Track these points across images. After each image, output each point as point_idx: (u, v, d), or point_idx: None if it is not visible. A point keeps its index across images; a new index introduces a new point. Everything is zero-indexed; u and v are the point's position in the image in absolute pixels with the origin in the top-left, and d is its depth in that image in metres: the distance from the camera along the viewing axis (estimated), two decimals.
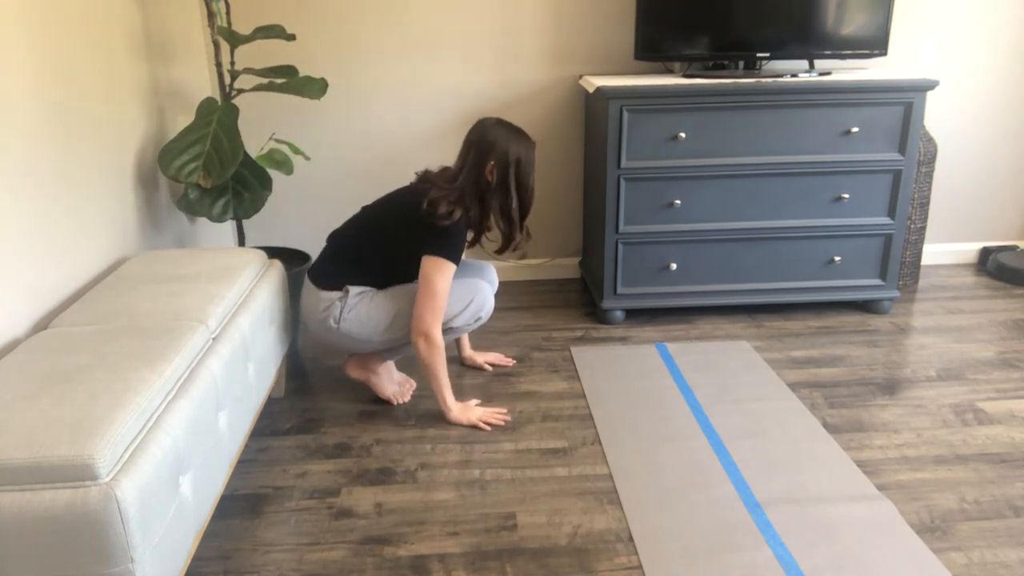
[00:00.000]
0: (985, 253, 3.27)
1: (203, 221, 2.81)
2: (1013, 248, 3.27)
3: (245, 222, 3.07)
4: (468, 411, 2.15)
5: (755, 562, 1.59)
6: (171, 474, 1.34)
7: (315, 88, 2.32)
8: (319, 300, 2.09)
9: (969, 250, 3.34)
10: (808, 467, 1.91)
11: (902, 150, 2.64)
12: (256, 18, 2.83)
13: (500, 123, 2.08)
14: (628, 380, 2.36)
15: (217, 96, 2.90)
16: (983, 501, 1.78)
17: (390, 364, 2.30)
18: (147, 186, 2.36)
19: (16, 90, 1.69)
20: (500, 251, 2.18)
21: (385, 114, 2.98)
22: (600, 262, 2.77)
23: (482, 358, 2.46)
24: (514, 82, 2.98)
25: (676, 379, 2.36)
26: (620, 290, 2.73)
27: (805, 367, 2.44)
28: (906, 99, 2.58)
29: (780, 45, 2.72)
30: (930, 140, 2.93)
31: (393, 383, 2.29)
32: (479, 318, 2.16)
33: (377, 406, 2.26)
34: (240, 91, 2.41)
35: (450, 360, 2.53)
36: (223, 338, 1.72)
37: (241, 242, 2.57)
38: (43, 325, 1.75)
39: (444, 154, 3.04)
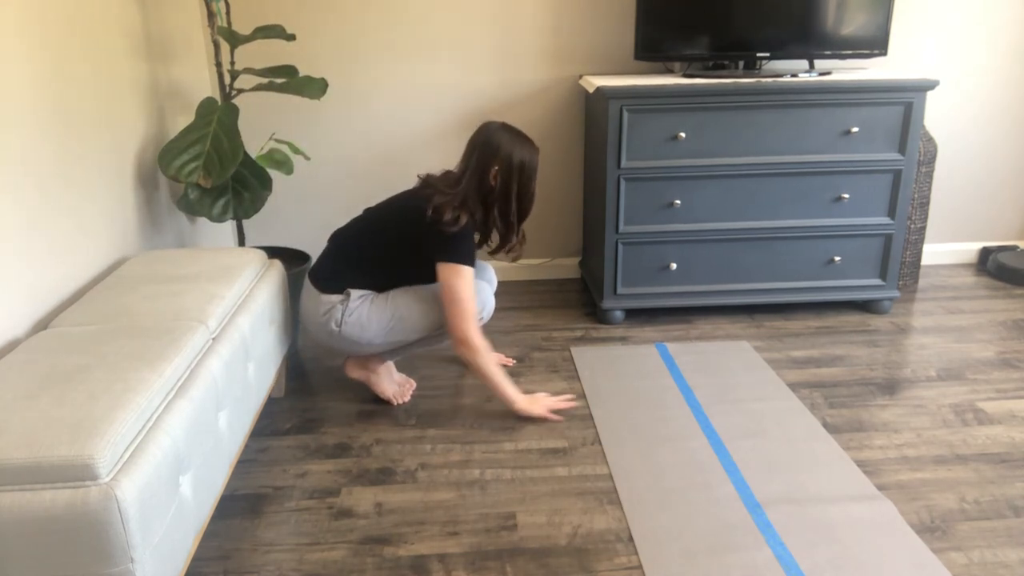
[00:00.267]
0: (985, 253, 3.27)
1: (203, 221, 2.81)
2: (1013, 248, 3.27)
3: (245, 222, 3.07)
4: (536, 403, 2.15)
5: (755, 562, 1.59)
6: (171, 474, 1.34)
7: (315, 88, 2.32)
8: (320, 303, 2.09)
9: (969, 250, 3.34)
10: (808, 467, 1.91)
11: (902, 150, 2.64)
12: (256, 18, 2.83)
13: (505, 127, 2.08)
14: (628, 380, 2.36)
15: (217, 96, 2.90)
16: (983, 501, 1.78)
17: (390, 364, 2.30)
18: (147, 186, 2.36)
19: (16, 90, 1.69)
20: (494, 252, 2.19)
21: (385, 114, 2.98)
22: (600, 262, 2.77)
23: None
24: (514, 82, 2.98)
25: (676, 379, 2.36)
26: (620, 290, 2.73)
27: (805, 367, 2.44)
28: (906, 99, 2.58)
29: (780, 45, 2.72)
30: (930, 140, 2.93)
31: (393, 383, 2.29)
32: (480, 318, 2.16)
33: (377, 406, 2.26)
34: (240, 91, 2.42)
35: (450, 360, 2.53)
36: (223, 338, 1.72)
37: (241, 242, 2.57)
38: (43, 325, 1.75)
39: (444, 154, 3.04)
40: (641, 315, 2.84)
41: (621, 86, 2.50)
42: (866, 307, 2.86)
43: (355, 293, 2.08)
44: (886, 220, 2.72)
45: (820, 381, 2.35)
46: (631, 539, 1.68)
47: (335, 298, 2.08)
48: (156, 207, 2.42)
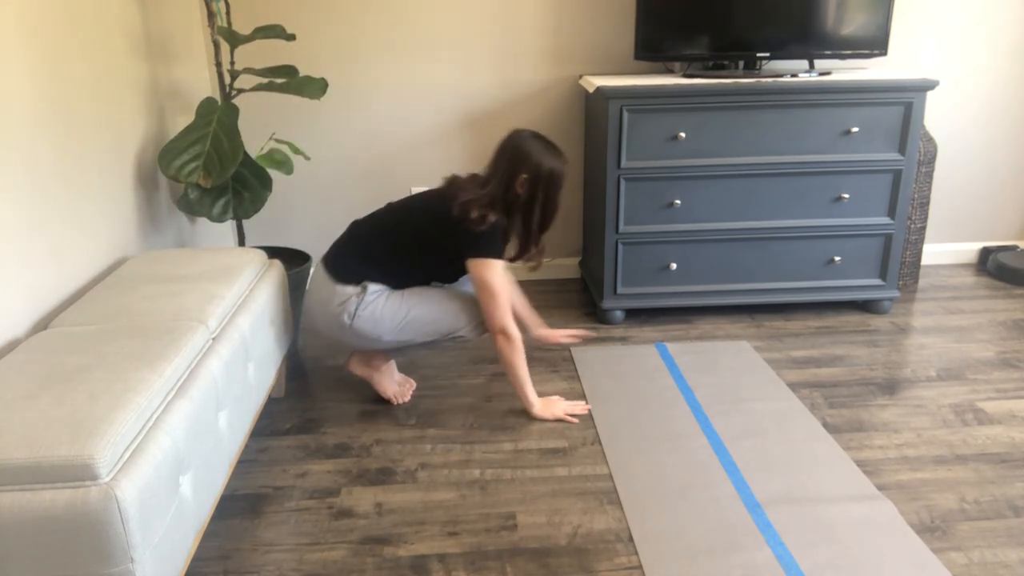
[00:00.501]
0: (985, 253, 3.27)
1: (203, 221, 2.81)
2: (1013, 248, 3.27)
3: (245, 222, 3.07)
4: (551, 406, 2.17)
5: (755, 562, 1.59)
6: (171, 474, 1.34)
7: (315, 88, 2.32)
8: (334, 293, 2.06)
9: (969, 250, 3.34)
10: (808, 467, 1.91)
11: (902, 150, 2.64)
12: (256, 18, 2.83)
13: (536, 136, 2.07)
14: (628, 380, 2.36)
15: (217, 96, 2.90)
16: (983, 501, 1.78)
17: (392, 364, 2.30)
18: (147, 186, 2.36)
19: (16, 90, 1.69)
20: (512, 259, 2.18)
21: (385, 114, 2.98)
22: (600, 262, 2.77)
23: (559, 334, 2.45)
24: (514, 82, 2.98)
25: (676, 379, 2.36)
26: (620, 290, 2.73)
27: (805, 367, 2.44)
28: (906, 99, 2.58)
29: (780, 45, 2.72)
30: (930, 140, 2.93)
31: (394, 383, 2.29)
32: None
33: (377, 406, 2.26)
34: (240, 91, 2.42)
35: (450, 360, 2.53)
36: (223, 338, 1.72)
37: (241, 242, 2.57)
38: (43, 325, 1.75)
39: (444, 154, 3.04)
40: (641, 315, 2.84)
41: (621, 86, 2.50)
42: (866, 307, 2.86)
43: (372, 287, 2.06)
44: (886, 220, 2.72)
45: (820, 381, 2.35)
46: (631, 539, 1.68)
47: (351, 290, 2.05)
48: (156, 207, 2.42)
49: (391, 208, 2.17)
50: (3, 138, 1.63)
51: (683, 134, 2.57)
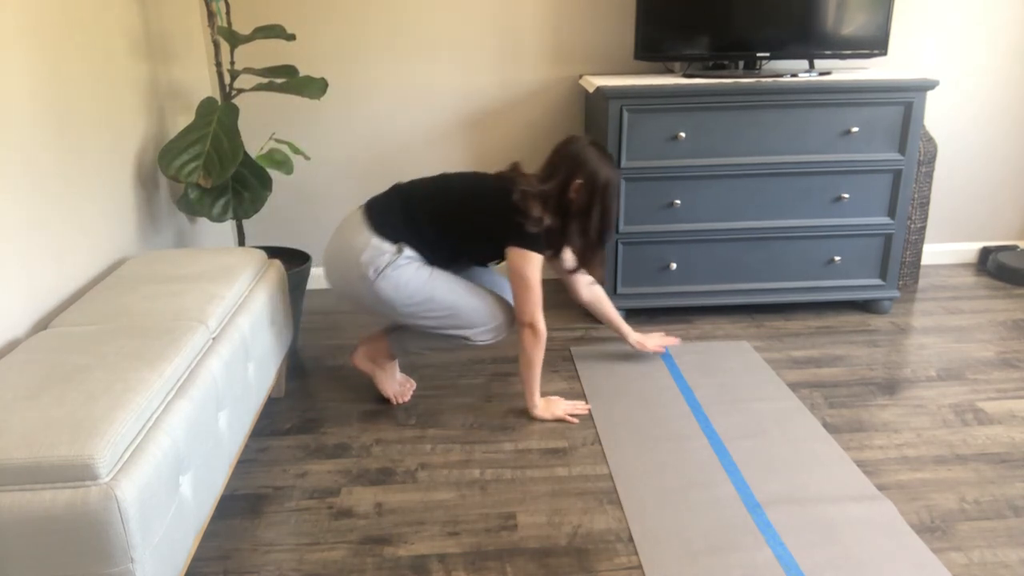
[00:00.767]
0: (985, 253, 3.27)
1: (203, 221, 2.81)
2: (1013, 248, 3.27)
3: (245, 222, 3.07)
4: (552, 406, 2.17)
5: (755, 562, 1.59)
6: (171, 474, 1.34)
7: (315, 88, 2.32)
8: (369, 245, 2.01)
9: (969, 250, 3.34)
10: (808, 467, 1.91)
11: (902, 150, 2.64)
12: (256, 18, 2.83)
13: (593, 144, 2.07)
14: (628, 380, 2.36)
15: (217, 96, 2.90)
16: (983, 501, 1.78)
17: (395, 364, 2.30)
18: (147, 186, 2.36)
19: (15, 90, 1.69)
20: (573, 271, 2.19)
21: (385, 114, 2.98)
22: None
23: (651, 343, 2.45)
24: (514, 82, 2.98)
25: (676, 379, 2.36)
26: (620, 290, 2.73)
27: (805, 367, 2.44)
28: (906, 99, 2.58)
29: (780, 45, 2.72)
30: (930, 140, 2.93)
31: (395, 382, 2.29)
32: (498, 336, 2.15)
33: (377, 406, 2.26)
34: (240, 91, 2.42)
35: (450, 360, 2.53)
36: (223, 338, 1.72)
37: (241, 242, 2.57)
38: (43, 325, 1.75)
39: (444, 154, 3.04)
40: (641, 315, 2.84)
41: (621, 86, 2.50)
42: (866, 307, 2.86)
43: (407, 252, 2.02)
44: (886, 220, 2.72)
45: (820, 381, 2.35)
46: (631, 539, 1.68)
47: (387, 247, 2.01)
48: (156, 207, 2.42)
49: (446, 177, 2.14)
50: (3, 138, 1.63)
51: (683, 134, 2.57)
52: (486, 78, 2.96)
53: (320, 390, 2.36)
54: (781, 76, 2.61)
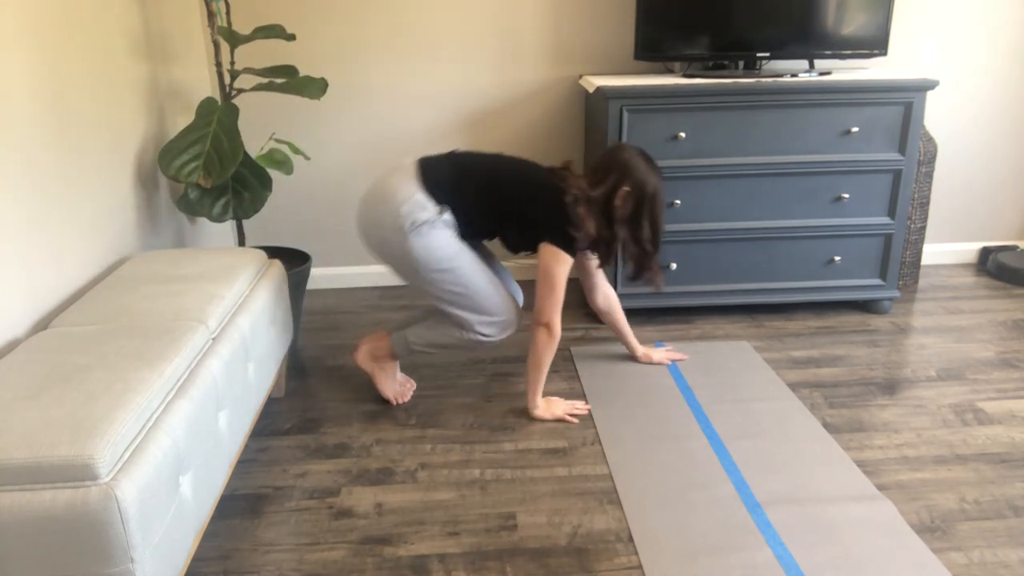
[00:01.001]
0: (985, 253, 3.27)
1: (203, 221, 2.81)
2: (1013, 248, 3.27)
3: (245, 222, 3.07)
4: (552, 406, 2.17)
5: (755, 562, 1.59)
6: (171, 474, 1.34)
7: (315, 88, 2.32)
8: (413, 198, 1.98)
9: (969, 250, 3.34)
10: (808, 467, 1.91)
11: (902, 150, 2.64)
12: (256, 18, 2.83)
13: (641, 152, 2.07)
14: (628, 380, 2.36)
15: (217, 96, 2.90)
16: (983, 501, 1.78)
17: (396, 364, 2.29)
18: (147, 186, 2.36)
19: (16, 90, 1.69)
20: (632, 278, 2.18)
21: (385, 114, 2.98)
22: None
23: (657, 355, 2.46)
24: (514, 82, 2.98)
25: (676, 379, 2.36)
26: (620, 290, 2.73)
27: (805, 367, 2.44)
28: (906, 99, 2.58)
29: (780, 45, 2.72)
30: (930, 140, 2.93)
31: (395, 383, 2.29)
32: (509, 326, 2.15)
33: (377, 406, 2.26)
34: (240, 91, 2.42)
35: (450, 360, 2.53)
36: (223, 338, 1.72)
37: (241, 242, 2.57)
38: (43, 325, 1.75)
39: None
40: (641, 315, 2.84)
41: (621, 86, 2.50)
42: (866, 307, 2.86)
43: (447, 217, 2.01)
44: (886, 220, 2.72)
45: (820, 381, 2.35)
46: (631, 539, 1.68)
47: (431, 205, 1.99)
48: (156, 207, 2.42)
49: (501, 158, 2.13)
50: (3, 138, 1.63)
51: (683, 134, 2.57)
52: (486, 78, 2.96)
53: (320, 390, 2.36)
54: (781, 76, 2.61)
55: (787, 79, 2.56)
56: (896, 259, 2.75)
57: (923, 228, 3.01)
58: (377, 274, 3.20)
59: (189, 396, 1.46)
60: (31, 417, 1.25)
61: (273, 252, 2.71)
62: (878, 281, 2.79)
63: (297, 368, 2.51)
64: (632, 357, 2.48)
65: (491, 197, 2.06)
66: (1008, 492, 1.81)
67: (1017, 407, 2.19)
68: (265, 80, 2.68)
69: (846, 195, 2.67)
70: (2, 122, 1.63)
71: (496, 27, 2.90)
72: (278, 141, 2.73)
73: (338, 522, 1.76)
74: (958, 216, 3.29)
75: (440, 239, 2.00)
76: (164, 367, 1.45)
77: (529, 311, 2.89)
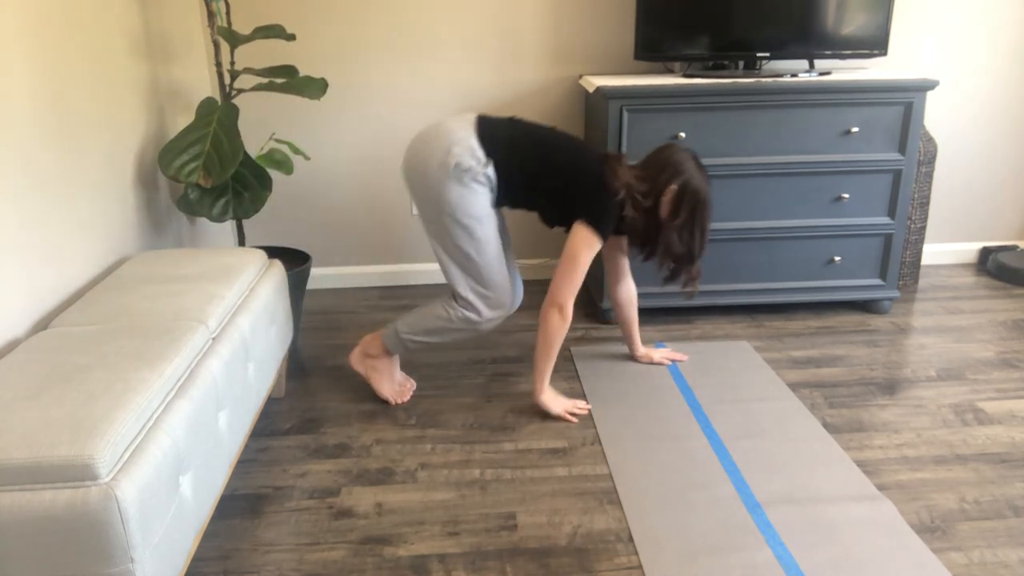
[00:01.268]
0: (985, 253, 3.27)
1: (203, 221, 2.81)
2: (1013, 248, 3.27)
3: (245, 222, 3.07)
4: (557, 400, 2.17)
5: (755, 562, 1.59)
6: (171, 474, 1.34)
7: (315, 88, 2.32)
8: (468, 141, 2.00)
9: (969, 250, 3.34)
10: (808, 467, 1.91)
11: (902, 150, 2.64)
12: (256, 18, 2.83)
13: (692, 155, 2.07)
14: (628, 380, 2.36)
15: (217, 96, 2.90)
16: (983, 501, 1.78)
17: (394, 362, 2.29)
18: (147, 186, 2.36)
19: (15, 90, 1.69)
20: (666, 281, 2.17)
21: (385, 114, 2.98)
22: (600, 262, 2.76)
23: (658, 355, 2.46)
24: (514, 82, 2.98)
25: (676, 379, 2.36)
26: None
27: (805, 367, 2.44)
28: (906, 99, 2.58)
29: (780, 45, 2.72)
30: (930, 140, 2.93)
31: (394, 382, 2.29)
32: (510, 307, 2.15)
33: (377, 406, 2.26)
34: (240, 91, 2.42)
35: (450, 360, 2.53)
36: (223, 338, 1.72)
37: (241, 242, 2.57)
38: (43, 325, 1.75)
39: None
40: (642, 315, 2.84)
41: (621, 86, 2.50)
42: (866, 307, 2.86)
43: (491, 173, 2.01)
44: (886, 220, 2.72)
45: (820, 381, 2.35)
46: (631, 539, 1.68)
47: (480, 155, 1.99)
48: (156, 207, 2.42)
49: (556, 133, 2.12)
50: (3, 138, 1.63)
51: (683, 134, 2.57)
52: (486, 78, 2.97)
53: (320, 390, 2.36)
54: (781, 76, 2.61)
55: (787, 79, 2.56)
56: (896, 259, 2.75)
57: (923, 228, 3.02)
58: (377, 274, 3.20)
59: (189, 396, 1.46)
60: (31, 417, 1.25)
61: (273, 252, 2.72)
62: (878, 281, 2.79)
63: (297, 368, 2.51)
64: (632, 357, 2.48)
65: (539, 170, 2.05)
66: (1008, 492, 1.81)
67: (1017, 407, 2.19)
68: (265, 80, 2.68)
69: (846, 195, 2.67)
70: (2, 122, 1.63)
71: (496, 27, 2.90)
72: (278, 141, 2.73)
73: (338, 522, 1.76)
74: (958, 216, 3.30)
75: (477, 197, 2.02)
76: (164, 367, 1.45)
77: (522, 309, 2.89)
